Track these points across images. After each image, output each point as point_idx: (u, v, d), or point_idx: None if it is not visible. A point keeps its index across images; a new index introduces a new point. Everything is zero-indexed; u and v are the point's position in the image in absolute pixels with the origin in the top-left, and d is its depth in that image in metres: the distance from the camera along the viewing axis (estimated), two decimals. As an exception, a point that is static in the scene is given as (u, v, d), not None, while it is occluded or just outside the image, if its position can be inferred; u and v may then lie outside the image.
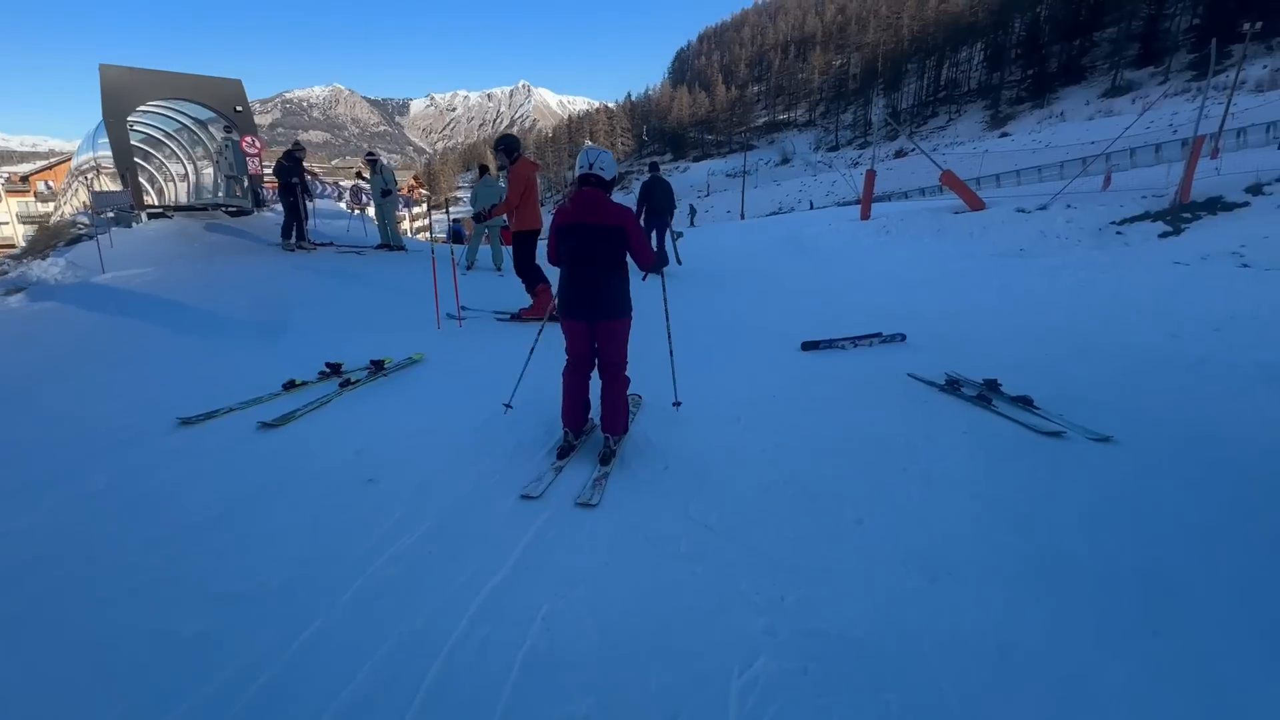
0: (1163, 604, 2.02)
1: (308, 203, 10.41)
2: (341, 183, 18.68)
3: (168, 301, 6.55)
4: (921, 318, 6.27)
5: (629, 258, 3.07)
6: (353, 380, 4.18)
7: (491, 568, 2.19)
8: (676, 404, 3.67)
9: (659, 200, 8.91)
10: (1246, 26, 27.55)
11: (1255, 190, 10.05)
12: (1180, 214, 9.98)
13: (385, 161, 10.68)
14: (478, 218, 6.14)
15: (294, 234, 9.58)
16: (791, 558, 2.28)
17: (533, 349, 3.67)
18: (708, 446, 3.27)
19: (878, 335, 5.51)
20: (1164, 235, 9.57)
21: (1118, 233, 10.03)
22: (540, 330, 3.76)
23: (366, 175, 11.36)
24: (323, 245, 10.41)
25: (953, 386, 4.20)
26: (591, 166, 2.95)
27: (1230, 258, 8.02)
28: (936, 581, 2.13)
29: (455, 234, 13.12)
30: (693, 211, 36.56)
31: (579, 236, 2.94)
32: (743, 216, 36.94)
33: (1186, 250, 8.55)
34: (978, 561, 2.25)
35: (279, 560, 2.23)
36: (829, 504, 2.68)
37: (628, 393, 3.27)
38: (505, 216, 6.58)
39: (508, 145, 6.01)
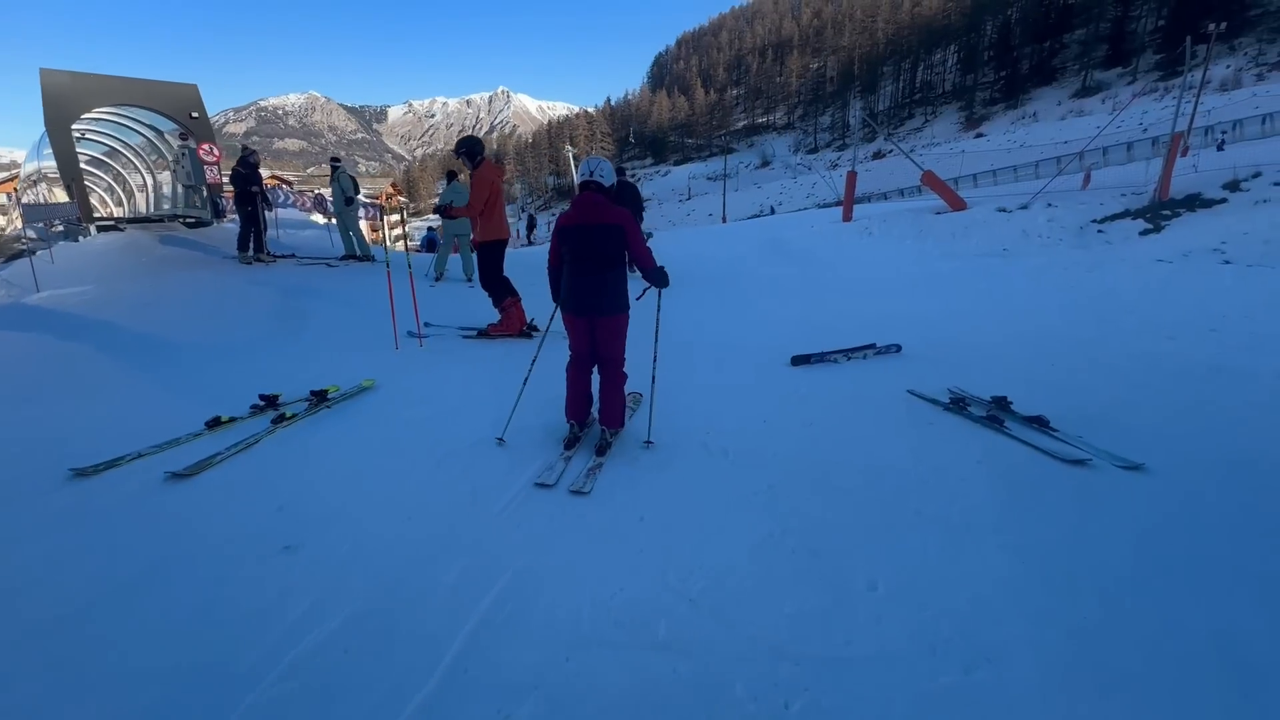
0: (1256, 690, 1.63)
1: (267, 212, 9.80)
2: (320, 190, 18.07)
3: (101, 323, 5.96)
4: (913, 324, 5.94)
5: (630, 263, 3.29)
6: (288, 415, 3.68)
7: (425, 673, 1.74)
8: (648, 443, 3.33)
9: (625, 204, 9.12)
10: (1212, 27, 28.15)
11: (1233, 187, 9.95)
12: (1160, 211, 9.84)
13: (344, 168, 10.14)
14: (441, 211, 5.67)
15: (251, 245, 9.01)
16: (794, 643, 1.86)
17: (526, 379, 3.59)
18: (692, 489, 2.85)
19: (871, 346, 5.14)
20: (1145, 233, 9.42)
21: (1099, 231, 9.87)
22: (534, 359, 3.67)
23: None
24: (284, 257, 9.84)
25: (958, 405, 3.82)
26: (592, 174, 3.17)
27: (1212, 254, 7.86)
28: (973, 674, 1.73)
29: (430, 242, 12.67)
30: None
31: (580, 237, 3.11)
32: (724, 219, 36.75)
33: (1168, 247, 8.39)
34: (1018, 640, 1.85)
35: (137, 678, 1.73)
36: (835, 562, 2.27)
37: (627, 390, 3.42)
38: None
39: (469, 148, 5.59)
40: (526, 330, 5.80)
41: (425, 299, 6.53)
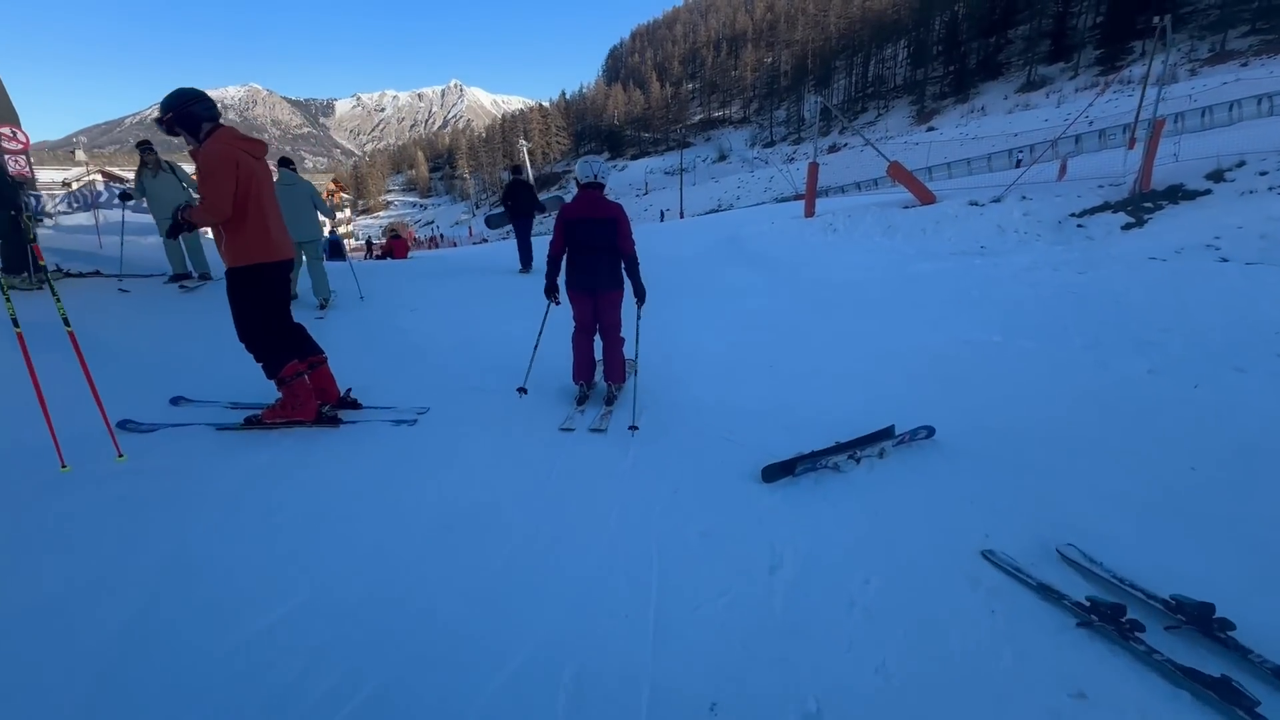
0: None
1: (35, 222, 6.97)
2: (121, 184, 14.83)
3: None
4: (917, 359, 4.80)
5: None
6: None
7: None
8: (632, 428, 3.67)
9: (522, 203, 9.09)
10: (1156, 20, 28.58)
11: (1216, 177, 9.36)
12: (1141, 204, 9.19)
13: (168, 162, 6.97)
14: (172, 229, 3.31)
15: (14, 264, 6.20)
16: None
17: (536, 345, 4.25)
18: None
19: (888, 435, 3.26)
20: (1127, 227, 8.73)
21: (1079, 225, 9.16)
22: (539, 333, 4.26)
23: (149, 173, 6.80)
24: (77, 275, 6.61)
25: (1111, 617, 1.97)
26: (595, 176, 3.82)
27: (1206, 251, 7.12)
28: None
29: (334, 246, 11.15)
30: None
31: (586, 227, 3.76)
32: (681, 215, 35.79)
33: (1156, 244, 7.66)
34: None
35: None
36: None
37: (624, 356, 4.09)
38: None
39: (180, 106, 3.02)
40: (329, 414, 3.54)
41: (216, 345, 4.13)
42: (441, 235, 63.02)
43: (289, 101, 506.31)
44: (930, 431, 3.38)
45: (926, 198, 11.10)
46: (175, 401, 3.76)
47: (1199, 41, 55.09)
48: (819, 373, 4.66)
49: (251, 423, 3.42)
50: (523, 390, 4.10)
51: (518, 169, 9.97)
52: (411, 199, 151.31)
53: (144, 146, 6.88)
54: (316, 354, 3.63)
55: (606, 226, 3.75)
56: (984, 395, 4.08)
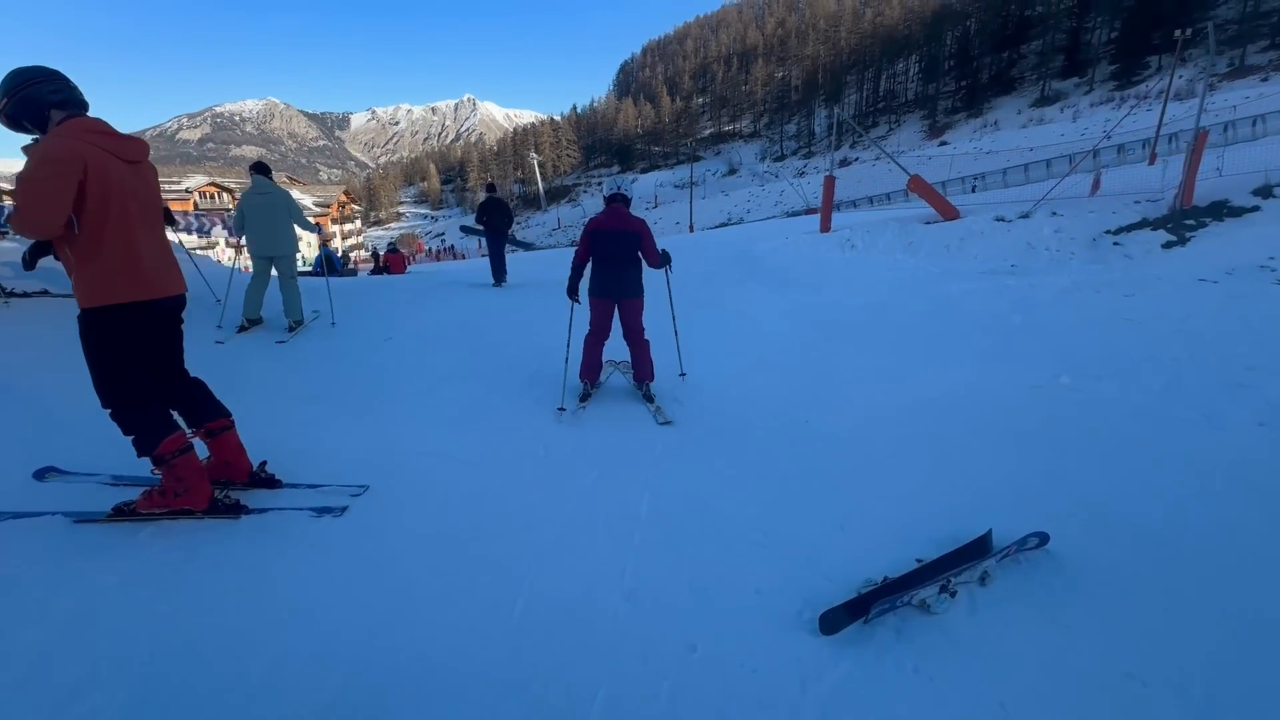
0: None
1: None
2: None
3: None
4: (978, 409, 3.97)
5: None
6: None
7: None
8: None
9: (496, 220, 9.41)
10: (1178, 34, 27.96)
11: (1265, 193, 8.79)
12: (1182, 221, 8.63)
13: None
14: (31, 254, 3.01)
15: None
16: None
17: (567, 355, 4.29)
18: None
19: (985, 548, 2.45)
20: (1168, 246, 8.18)
21: (1115, 243, 8.62)
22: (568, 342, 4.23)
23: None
24: (21, 295, 5.59)
25: None
26: (620, 188, 4.15)
27: (1261, 273, 6.55)
28: None
29: (328, 261, 10.70)
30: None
31: (611, 239, 4.01)
32: (691, 229, 35.44)
33: (1205, 264, 7.09)
34: None
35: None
36: None
37: (651, 357, 4.33)
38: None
39: (16, 95, 2.27)
40: (227, 500, 2.68)
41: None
42: (452, 246, 63.12)
43: (305, 115, 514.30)
44: (1042, 539, 2.44)
45: (949, 213, 10.60)
46: (41, 475, 2.86)
47: (1218, 57, 54.39)
48: (866, 431, 3.74)
49: (122, 512, 2.52)
50: (562, 410, 4.09)
51: (492, 187, 10.24)
52: (423, 210, 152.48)
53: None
54: (218, 418, 2.77)
55: (630, 239, 3.99)
56: (1081, 467, 3.17)
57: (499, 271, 9.40)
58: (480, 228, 9.66)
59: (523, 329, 6.53)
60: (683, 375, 4.63)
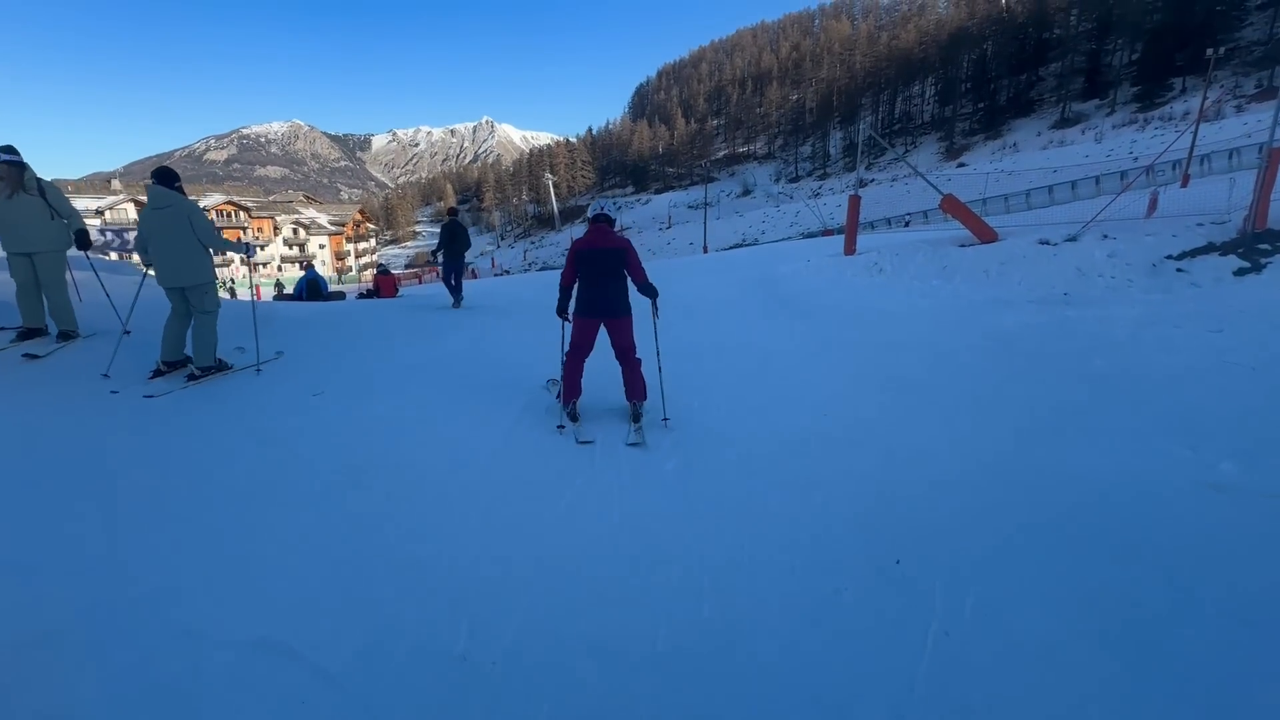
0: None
1: None
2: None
3: None
4: (1146, 527, 2.69)
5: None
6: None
7: None
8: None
9: (457, 244, 9.44)
10: (1209, 52, 27.09)
11: (1346, 215, 7.88)
12: (1255, 245, 7.73)
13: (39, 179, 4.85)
14: None
15: None
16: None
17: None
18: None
19: None
20: (1240, 273, 7.30)
21: (1179, 270, 7.74)
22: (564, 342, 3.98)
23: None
24: None
25: None
26: (603, 209, 4.21)
27: (1356, 304, 5.69)
28: None
29: (312, 286, 9.94)
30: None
31: (597, 258, 4.03)
32: (705, 249, 34.83)
33: (1285, 293, 6.22)
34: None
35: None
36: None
37: (643, 376, 4.21)
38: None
39: None
40: None
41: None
42: (468, 264, 63.09)
43: (328, 136, 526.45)
44: None
45: (987, 235, 9.78)
46: None
47: (1243, 78, 53.32)
48: (999, 585, 2.40)
49: None
50: (561, 428, 4.04)
51: (454, 211, 10.12)
52: (439, 230, 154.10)
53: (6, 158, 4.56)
54: None
55: (615, 256, 4.02)
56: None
57: (458, 293, 9.55)
58: (437, 255, 9.67)
59: (497, 366, 5.59)
60: (665, 420, 4.12)
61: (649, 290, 4.14)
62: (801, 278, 9.73)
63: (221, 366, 4.85)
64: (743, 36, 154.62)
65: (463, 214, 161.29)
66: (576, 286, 4.11)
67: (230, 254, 4.87)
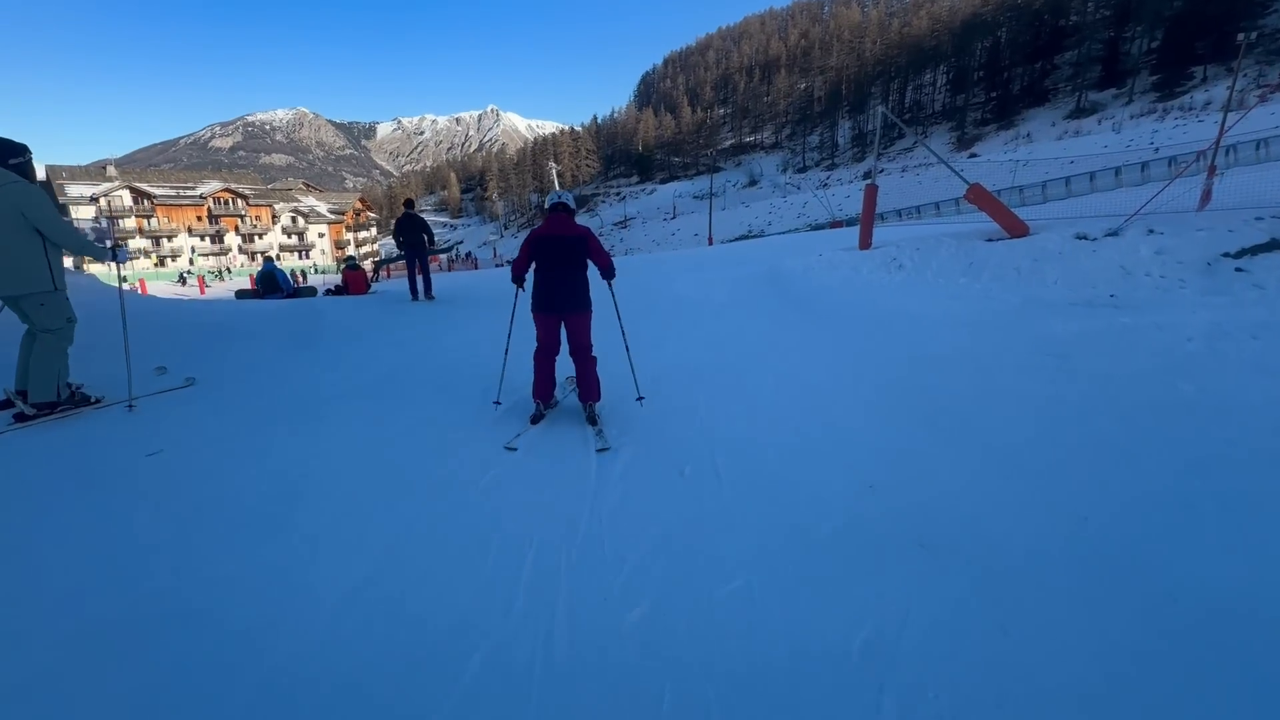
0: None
1: None
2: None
3: None
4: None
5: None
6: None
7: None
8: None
9: (412, 235, 9.13)
10: (1241, 37, 25.85)
11: None
12: (1322, 242, 6.92)
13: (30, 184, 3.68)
14: None
15: None
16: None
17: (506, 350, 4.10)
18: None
19: None
20: (1308, 273, 6.49)
21: (1238, 269, 6.91)
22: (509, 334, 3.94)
23: None
24: None
25: None
26: (561, 198, 4.07)
27: None
28: None
29: (266, 278, 9.06)
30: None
31: (553, 246, 3.84)
32: (710, 241, 33.94)
33: (1362, 297, 5.43)
34: None
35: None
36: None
37: (598, 375, 4.01)
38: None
39: None
40: None
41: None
42: (469, 254, 62.40)
43: (333, 124, 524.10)
44: None
45: (1017, 228, 8.96)
46: None
47: (1267, 67, 51.71)
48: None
49: None
50: (498, 403, 4.11)
51: (410, 203, 9.75)
52: (443, 219, 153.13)
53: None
54: None
55: (574, 243, 3.86)
56: None
57: (428, 286, 9.33)
58: (399, 251, 9.32)
59: (443, 391, 4.62)
60: (640, 399, 4.06)
61: (611, 273, 4.01)
62: (814, 275, 8.95)
63: (78, 401, 3.72)
64: (751, 23, 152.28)
65: (464, 202, 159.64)
66: (534, 276, 3.95)
67: (95, 257, 3.90)
